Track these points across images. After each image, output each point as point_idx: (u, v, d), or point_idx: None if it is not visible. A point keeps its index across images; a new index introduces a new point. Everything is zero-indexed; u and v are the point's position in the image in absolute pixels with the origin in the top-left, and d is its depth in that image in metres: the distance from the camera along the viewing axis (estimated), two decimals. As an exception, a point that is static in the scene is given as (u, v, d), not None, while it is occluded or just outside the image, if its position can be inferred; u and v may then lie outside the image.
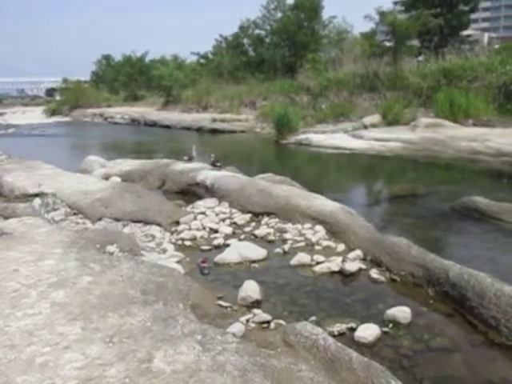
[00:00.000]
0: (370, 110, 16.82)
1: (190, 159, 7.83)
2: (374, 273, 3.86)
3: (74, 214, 5.62)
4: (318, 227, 4.91)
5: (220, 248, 4.58)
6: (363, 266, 3.99)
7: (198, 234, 4.91)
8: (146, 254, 4.19)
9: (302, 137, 13.89)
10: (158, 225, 5.03)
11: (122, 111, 27.03)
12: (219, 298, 3.44)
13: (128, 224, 5.08)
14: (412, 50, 17.98)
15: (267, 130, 17.20)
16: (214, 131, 18.49)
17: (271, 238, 4.79)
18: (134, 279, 3.21)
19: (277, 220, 5.30)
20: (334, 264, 3.99)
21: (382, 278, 3.79)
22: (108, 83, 38.93)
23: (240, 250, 4.27)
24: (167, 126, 21.26)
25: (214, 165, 7.60)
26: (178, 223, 5.30)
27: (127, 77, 36.32)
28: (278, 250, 4.45)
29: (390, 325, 3.06)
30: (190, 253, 4.46)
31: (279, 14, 27.50)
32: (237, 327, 2.86)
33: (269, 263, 4.17)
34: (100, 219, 5.22)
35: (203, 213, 5.66)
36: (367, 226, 4.73)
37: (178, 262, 4.08)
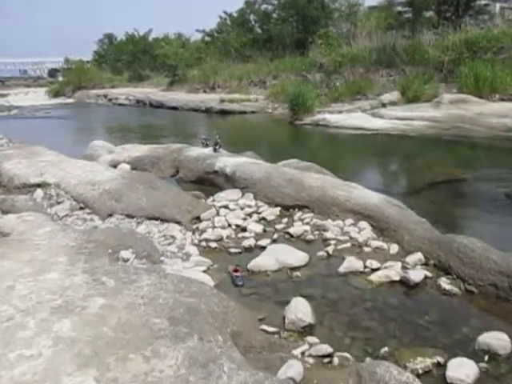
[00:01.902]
0: (388, 87, 15.93)
1: (216, 146, 6.95)
2: (444, 282, 3.20)
3: (81, 208, 4.96)
4: (363, 223, 4.24)
5: (251, 250, 3.94)
6: (428, 274, 3.32)
7: (224, 232, 4.26)
8: (168, 260, 3.54)
9: (318, 117, 13.10)
10: (177, 222, 4.37)
11: (126, 92, 26.14)
12: (261, 320, 2.81)
13: (143, 222, 4.42)
14: (431, 22, 16.90)
15: (279, 111, 16.40)
16: (224, 112, 17.67)
17: (310, 237, 4.13)
18: (158, 301, 2.56)
19: (311, 215, 4.62)
20: (393, 271, 3.33)
21: (456, 289, 3.13)
22: (111, 63, 37.84)
23: (277, 255, 3.62)
24: (174, 108, 20.44)
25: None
26: (198, 219, 4.64)
27: (130, 56, 35.21)
28: (321, 253, 3.79)
29: (486, 357, 2.41)
30: (217, 257, 3.81)
31: (287, -12, 26.29)
32: (294, 368, 2.21)
33: (313, 270, 3.52)
34: (111, 215, 4.57)
35: (226, 206, 4.99)
36: (422, 221, 4.05)
37: (206, 271, 3.44)
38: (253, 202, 5.12)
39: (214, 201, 5.23)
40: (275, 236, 4.19)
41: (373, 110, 13.94)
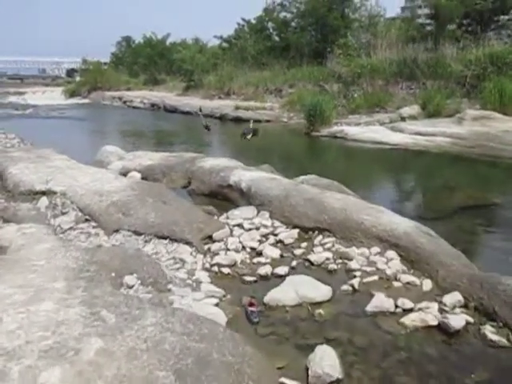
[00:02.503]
0: (408, 101, 15.54)
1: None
2: (489, 331, 2.80)
3: (86, 220, 4.65)
4: (390, 253, 3.86)
5: (268, 279, 3.58)
6: (470, 319, 2.93)
7: (238, 256, 3.90)
8: (176, 289, 3.19)
9: (335, 129, 12.74)
10: (188, 243, 4.02)
11: (141, 95, 26.07)
12: (280, 369, 2.45)
13: (151, 240, 4.08)
14: (455, 35, 16.45)
15: (295, 120, 16.10)
16: (238, 120, 17.39)
17: (332, 266, 3.75)
18: (164, 347, 2.21)
19: (333, 239, 4.25)
20: (430, 315, 2.94)
21: (503, 341, 2.73)
22: (128, 66, 37.94)
23: (297, 287, 3.25)
24: (188, 113, 20.24)
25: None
26: (210, 239, 4.30)
27: (147, 59, 35.21)
28: (346, 286, 3.41)
29: None
30: (230, 285, 3.46)
31: (306, -4, 26.10)
32: None
33: (337, 308, 3.14)
34: (117, 231, 4.24)
35: (240, 225, 4.65)
36: (458, 254, 3.66)
37: (218, 304, 3.08)
38: (269, 222, 4.77)
39: (227, 218, 4.88)
40: (294, 263, 3.83)
41: (392, 123, 13.56)
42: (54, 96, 30.76)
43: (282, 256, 3.98)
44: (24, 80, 49.56)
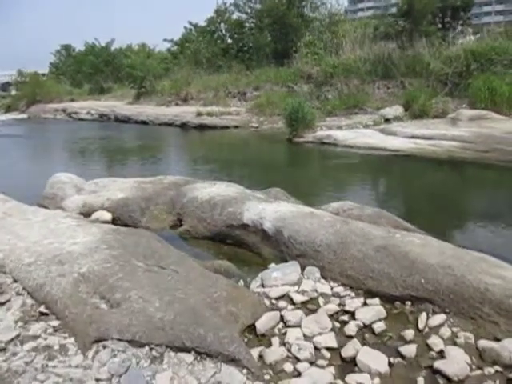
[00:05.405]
0: (388, 101, 14.51)
1: None
2: None
3: (41, 314, 2.83)
4: None
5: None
6: None
7: (321, 376, 2.26)
8: None
9: (321, 134, 11.34)
10: (233, 360, 2.31)
11: (87, 106, 23.63)
12: None
13: (163, 357, 2.33)
14: (432, 32, 15.59)
15: (267, 125, 14.66)
16: (203, 127, 15.71)
17: (491, 386, 2.20)
18: None
19: (444, 318, 2.71)
20: None
21: None
22: (70, 75, 35.07)
23: None
24: (144, 122, 18.35)
25: None
26: (254, 330, 2.65)
27: (92, 68, 32.55)
28: None
29: None
30: None
31: (261, -4, 24.86)
32: None
33: None
34: (98, 342, 2.45)
35: (286, 297, 3.03)
36: None
37: None
38: (326, 287, 3.18)
39: (262, 286, 3.23)
40: (420, 382, 2.24)
41: (376, 125, 12.41)
42: (-15, 113, 27.58)
43: (390, 364, 2.38)
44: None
